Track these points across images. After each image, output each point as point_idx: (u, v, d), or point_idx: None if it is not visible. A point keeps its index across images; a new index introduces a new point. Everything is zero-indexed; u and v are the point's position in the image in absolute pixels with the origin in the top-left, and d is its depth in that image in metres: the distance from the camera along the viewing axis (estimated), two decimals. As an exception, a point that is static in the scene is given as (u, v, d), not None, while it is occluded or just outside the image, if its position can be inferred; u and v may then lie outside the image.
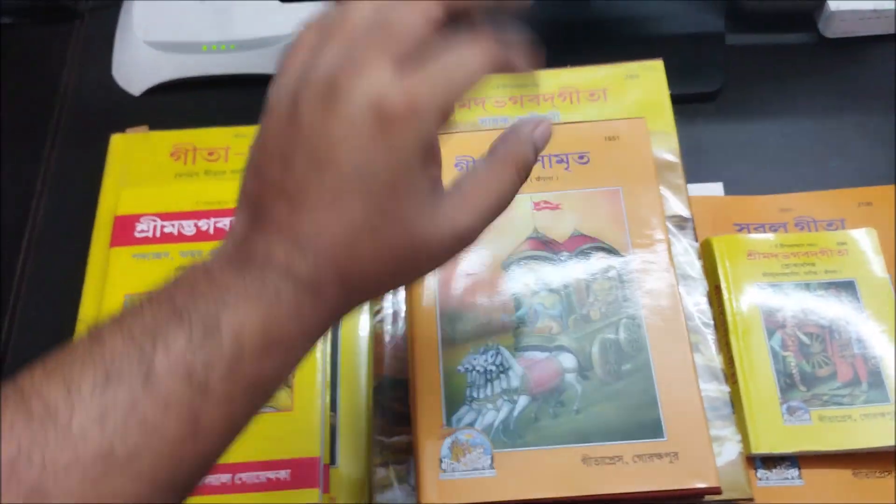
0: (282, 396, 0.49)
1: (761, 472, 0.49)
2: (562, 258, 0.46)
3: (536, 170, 0.48)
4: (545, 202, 0.47)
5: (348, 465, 0.47)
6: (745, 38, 0.65)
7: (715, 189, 0.58)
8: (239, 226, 0.32)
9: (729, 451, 0.44)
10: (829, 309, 0.52)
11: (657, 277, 0.45)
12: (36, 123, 0.66)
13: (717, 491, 0.39)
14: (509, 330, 0.44)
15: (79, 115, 0.67)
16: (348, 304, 0.31)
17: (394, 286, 0.33)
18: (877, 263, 0.53)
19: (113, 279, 0.53)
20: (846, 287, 0.52)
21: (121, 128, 0.62)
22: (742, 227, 0.56)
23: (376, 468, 0.44)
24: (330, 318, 0.31)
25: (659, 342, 0.43)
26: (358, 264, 0.30)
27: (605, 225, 0.47)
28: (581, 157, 0.49)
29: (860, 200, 0.56)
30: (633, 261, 0.45)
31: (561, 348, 0.43)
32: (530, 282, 0.45)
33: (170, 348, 0.28)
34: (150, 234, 0.55)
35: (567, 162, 0.49)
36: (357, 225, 0.29)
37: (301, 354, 0.31)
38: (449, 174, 0.48)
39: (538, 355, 0.43)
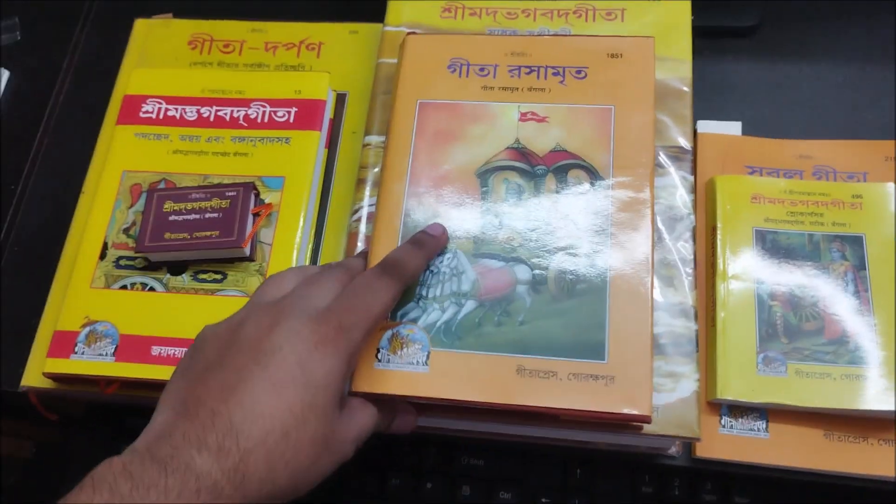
0: (255, 284, 0.50)
1: (726, 420, 0.47)
2: (538, 172, 0.44)
3: (530, 80, 0.47)
4: (532, 113, 0.46)
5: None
6: (796, -27, 0.60)
7: (732, 128, 0.55)
8: (160, 421, 0.33)
9: (684, 387, 0.42)
10: (830, 263, 0.48)
11: (632, 203, 0.43)
12: (70, 5, 0.67)
13: (646, 420, 0.38)
14: (470, 236, 0.43)
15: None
16: (266, 497, 0.32)
17: (306, 483, 0.34)
18: (891, 221, 0.49)
19: (114, 155, 0.55)
20: (853, 242, 0.49)
21: (148, 14, 0.63)
22: (754, 171, 0.53)
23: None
24: None
25: (620, 268, 0.41)
26: (288, 451, 0.32)
27: (589, 143, 0.44)
28: (579, 72, 0.47)
29: (887, 154, 0.52)
30: (610, 184, 0.43)
31: (518, 260, 0.42)
32: (501, 191, 0.44)
33: None
34: (153, 116, 0.56)
35: (563, 75, 0.47)
36: (294, 412, 0.33)
37: None
38: (441, 75, 0.48)
39: (494, 263, 0.42)
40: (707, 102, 0.55)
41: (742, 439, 0.46)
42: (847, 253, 0.48)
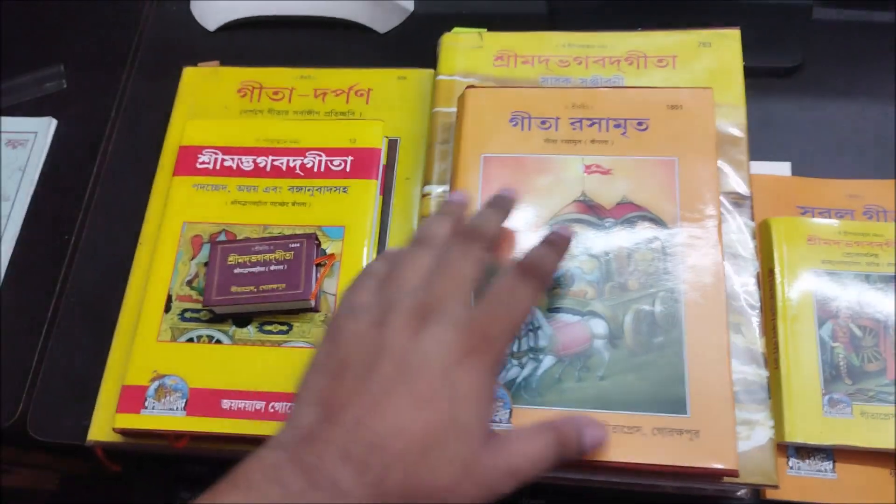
0: (319, 333, 0.50)
1: (793, 461, 0.47)
2: (606, 224, 0.45)
3: (592, 132, 0.48)
4: (597, 166, 0.47)
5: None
6: (836, 13, 0.61)
7: (782, 168, 0.56)
8: (305, 419, 0.34)
9: (759, 435, 0.43)
10: (888, 303, 0.49)
11: (702, 253, 0.43)
12: (115, 52, 0.68)
13: (734, 473, 0.38)
14: (544, 290, 0.44)
15: (156, 46, 0.69)
16: None
17: None
18: (946, 261, 0.50)
19: (173, 206, 0.55)
20: (909, 282, 0.50)
21: (194, 61, 0.64)
22: (806, 211, 0.54)
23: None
24: None
25: (695, 319, 0.42)
26: (425, 470, 0.32)
27: (655, 195, 0.45)
28: (640, 124, 0.48)
29: (937, 193, 0.53)
30: (679, 234, 0.44)
31: (593, 314, 0.43)
32: (571, 245, 0.45)
33: None
34: (210, 166, 0.57)
35: (625, 127, 0.48)
36: (436, 429, 0.32)
37: None
38: (503, 129, 0.48)
39: (569, 318, 0.43)
40: (754, 142, 0.56)
41: (810, 480, 0.47)
42: (904, 293, 0.49)
